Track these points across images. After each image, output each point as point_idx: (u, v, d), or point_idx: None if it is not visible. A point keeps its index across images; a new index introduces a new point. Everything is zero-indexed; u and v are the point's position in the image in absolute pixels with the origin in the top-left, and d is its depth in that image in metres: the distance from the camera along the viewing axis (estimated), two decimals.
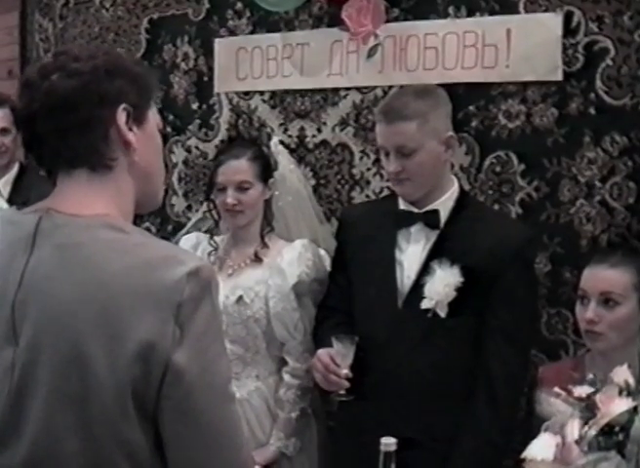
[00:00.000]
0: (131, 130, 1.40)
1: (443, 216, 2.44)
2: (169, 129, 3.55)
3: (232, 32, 3.38)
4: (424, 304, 2.37)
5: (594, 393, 1.60)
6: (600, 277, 2.30)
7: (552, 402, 1.68)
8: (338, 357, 2.39)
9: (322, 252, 2.82)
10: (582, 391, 1.66)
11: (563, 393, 1.69)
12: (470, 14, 2.88)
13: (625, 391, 1.56)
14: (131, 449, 1.29)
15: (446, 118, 2.45)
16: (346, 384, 2.38)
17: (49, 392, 1.28)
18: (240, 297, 2.73)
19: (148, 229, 3.60)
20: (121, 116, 1.39)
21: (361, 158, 3.12)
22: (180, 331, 1.27)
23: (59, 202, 1.39)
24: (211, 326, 1.32)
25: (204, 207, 3.04)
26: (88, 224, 1.35)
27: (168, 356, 1.26)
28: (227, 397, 1.35)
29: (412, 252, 2.46)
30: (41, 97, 1.36)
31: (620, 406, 1.53)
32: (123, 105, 1.39)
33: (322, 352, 2.43)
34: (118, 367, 1.26)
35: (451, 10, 2.91)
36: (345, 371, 2.38)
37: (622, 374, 1.63)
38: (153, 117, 1.47)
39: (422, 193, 2.43)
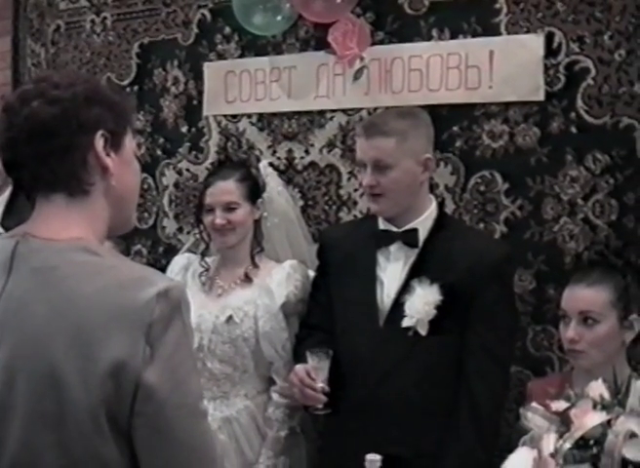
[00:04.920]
0: (108, 155, 1.43)
1: (422, 235, 2.48)
2: (159, 152, 3.60)
3: (221, 56, 3.42)
4: (405, 322, 2.40)
5: (569, 408, 1.63)
6: (578, 296, 2.34)
7: (530, 417, 1.70)
8: (313, 371, 2.41)
9: (311, 273, 2.84)
10: (559, 406, 1.68)
11: (541, 408, 1.72)
12: (453, 36, 2.92)
13: (599, 405, 1.59)
14: (107, 466, 1.31)
15: (426, 140, 2.49)
16: (323, 398, 2.41)
17: (26, 412, 1.31)
18: (230, 317, 2.76)
19: (140, 251, 3.63)
20: (99, 142, 1.42)
21: (348, 179, 3.15)
22: (150, 351, 1.30)
23: (36, 226, 1.42)
24: (181, 345, 1.35)
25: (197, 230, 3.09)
26: (63, 248, 1.38)
27: (138, 374, 1.29)
28: (199, 413, 1.37)
29: (392, 270, 2.49)
30: (21, 122, 1.39)
31: (594, 419, 1.56)
32: (101, 132, 1.42)
33: (298, 367, 2.46)
34: (91, 386, 1.29)
35: (434, 32, 2.96)
36: (321, 385, 2.40)
37: (598, 389, 1.65)
38: (130, 143, 1.50)
39: (396, 211, 2.47)
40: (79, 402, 1.29)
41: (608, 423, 1.55)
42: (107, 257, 1.41)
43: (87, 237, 1.41)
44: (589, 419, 1.55)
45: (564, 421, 1.59)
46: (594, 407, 1.59)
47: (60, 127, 1.39)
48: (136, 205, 1.57)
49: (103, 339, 1.29)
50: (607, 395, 1.63)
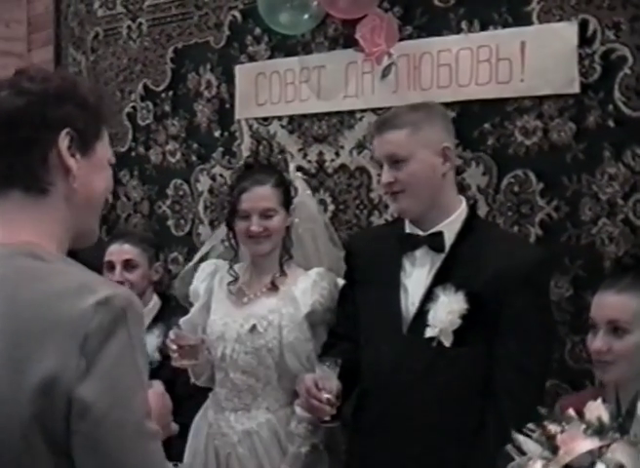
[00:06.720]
0: (73, 156, 1.38)
1: (448, 239, 2.33)
2: (194, 157, 3.53)
3: (252, 58, 3.34)
4: (428, 333, 2.26)
5: (561, 431, 1.46)
6: (607, 304, 2.15)
7: (522, 440, 1.54)
8: (320, 381, 2.29)
9: (339, 280, 2.72)
10: (556, 428, 1.51)
11: (537, 431, 1.55)
12: (484, 27, 2.77)
13: (591, 429, 1.41)
14: None
15: (442, 131, 2.37)
16: (328, 409, 2.29)
17: None
18: (253, 326, 2.67)
19: (176, 259, 3.58)
20: (63, 140, 1.37)
21: (379, 182, 3.00)
22: (85, 364, 1.21)
23: None
24: (124, 358, 1.25)
25: (218, 233, 3.02)
26: (10, 253, 1.32)
27: (71, 389, 1.20)
28: (143, 433, 1.27)
29: (416, 276, 2.36)
30: None
31: (583, 446, 1.38)
32: (67, 130, 1.37)
33: (307, 376, 2.36)
34: (22, 402, 1.21)
35: (464, 24, 2.80)
36: (327, 396, 2.28)
37: (596, 410, 1.47)
38: (103, 150, 1.44)
39: (419, 209, 2.34)
40: (11, 419, 1.22)
41: (599, 450, 1.38)
42: (55, 263, 1.33)
43: (38, 241, 1.35)
44: (577, 446, 1.39)
45: (551, 447, 1.42)
46: (585, 431, 1.41)
47: (23, 120, 1.35)
48: (100, 215, 1.49)
49: (36, 352, 1.22)
50: (606, 417, 1.45)
